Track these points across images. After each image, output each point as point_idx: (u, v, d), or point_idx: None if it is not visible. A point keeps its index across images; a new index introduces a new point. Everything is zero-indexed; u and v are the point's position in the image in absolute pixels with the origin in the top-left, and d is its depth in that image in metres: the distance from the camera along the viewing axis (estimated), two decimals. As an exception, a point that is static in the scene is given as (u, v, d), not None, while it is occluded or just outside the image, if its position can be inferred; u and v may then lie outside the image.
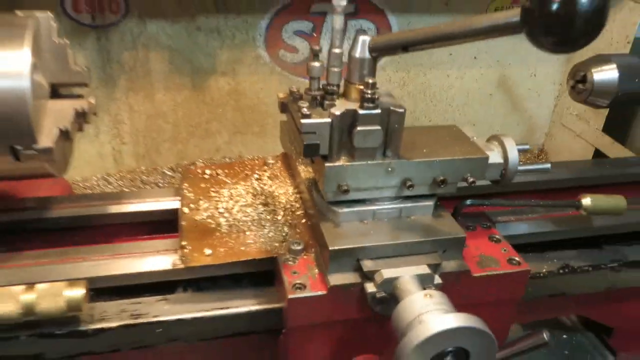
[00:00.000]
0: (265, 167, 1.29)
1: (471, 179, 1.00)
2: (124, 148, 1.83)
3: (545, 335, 0.97)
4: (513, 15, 0.75)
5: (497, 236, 1.10)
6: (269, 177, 1.25)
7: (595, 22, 0.70)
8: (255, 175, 1.26)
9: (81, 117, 0.96)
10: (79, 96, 0.99)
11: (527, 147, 1.12)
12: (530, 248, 1.21)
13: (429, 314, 0.79)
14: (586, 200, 1.12)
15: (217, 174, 1.26)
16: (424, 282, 0.92)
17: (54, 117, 0.93)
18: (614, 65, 1.17)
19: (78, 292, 0.91)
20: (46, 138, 0.88)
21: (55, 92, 0.97)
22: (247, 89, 1.82)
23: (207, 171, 1.27)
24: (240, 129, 1.87)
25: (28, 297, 0.89)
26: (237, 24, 1.71)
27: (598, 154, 1.90)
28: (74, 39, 1.61)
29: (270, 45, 1.76)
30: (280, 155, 1.32)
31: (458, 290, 0.98)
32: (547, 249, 1.22)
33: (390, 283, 0.90)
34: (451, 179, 1.00)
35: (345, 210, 0.98)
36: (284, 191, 1.20)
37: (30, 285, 0.90)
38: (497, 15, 0.77)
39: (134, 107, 1.76)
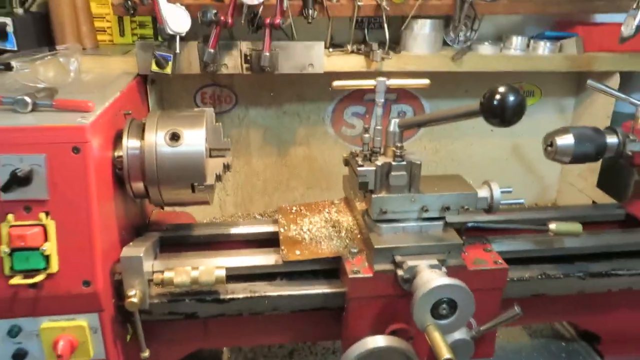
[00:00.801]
0: (333, 206, 1.89)
1: (466, 207, 1.56)
2: (227, 198, 2.49)
3: (517, 309, 1.47)
4: (475, 106, 1.33)
5: (489, 248, 1.63)
6: (335, 212, 1.85)
7: (518, 111, 1.27)
8: (326, 210, 1.86)
9: (226, 168, 1.61)
10: (224, 156, 1.64)
11: (510, 189, 1.66)
12: (519, 261, 1.72)
13: (432, 279, 1.33)
14: (552, 225, 1.64)
15: (300, 210, 1.88)
16: (436, 269, 1.46)
17: (212, 167, 1.58)
18: (571, 134, 1.72)
19: (222, 272, 1.51)
20: (210, 179, 1.53)
21: (211, 154, 1.63)
22: (317, 155, 2.46)
23: (294, 208, 1.88)
24: (312, 185, 2.50)
25: (194, 272, 1.50)
26: (311, 108, 2.38)
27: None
28: (199, 121, 2.33)
29: (334, 123, 2.41)
30: (342, 198, 1.92)
31: (461, 279, 1.50)
32: (532, 262, 1.73)
33: (413, 269, 1.45)
34: (453, 207, 1.55)
35: (385, 225, 1.55)
36: (346, 219, 1.78)
37: (195, 267, 1.52)
38: (466, 106, 1.36)
39: (236, 168, 2.43)
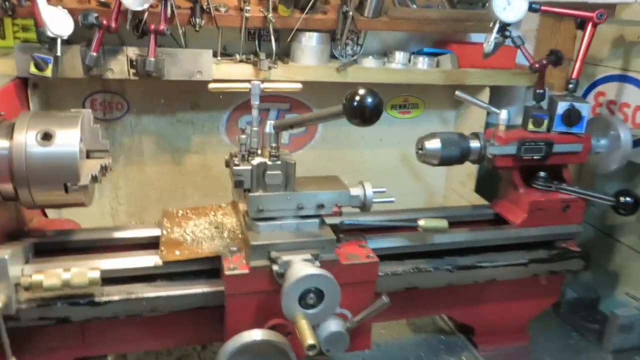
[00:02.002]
0: (220, 209, 1.92)
1: (340, 205, 1.65)
2: (119, 207, 2.45)
3: (384, 298, 1.57)
4: (338, 108, 1.42)
5: (364, 244, 1.72)
6: (221, 215, 1.88)
7: (376, 111, 1.38)
8: (212, 213, 1.88)
9: (104, 169, 1.60)
10: (103, 158, 1.63)
11: (383, 189, 1.78)
12: (394, 257, 1.83)
13: (299, 269, 1.40)
14: (421, 222, 1.77)
15: (187, 213, 1.89)
16: (305, 263, 1.52)
17: (88, 168, 1.57)
18: (438, 139, 1.87)
19: (96, 273, 1.49)
20: (84, 179, 1.52)
21: (89, 155, 1.61)
22: (213, 163, 2.48)
23: (180, 212, 1.89)
24: (208, 193, 2.51)
25: (66, 275, 1.47)
26: (206, 117, 2.41)
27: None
28: (88, 128, 2.29)
29: (229, 131, 2.45)
30: (230, 202, 1.96)
31: (335, 273, 1.58)
32: (407, 258, 1.84)
33: (287, 264, 1.51)
34: (327, 204, 1.64)
35: (262, 224, 1.60)
36: (230, 221, 1.82)
37: (67, 269, 1.49)
38: (331, 108, 1.45)
39: (129, 176, 2.40)
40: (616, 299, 2.30)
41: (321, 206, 1.63)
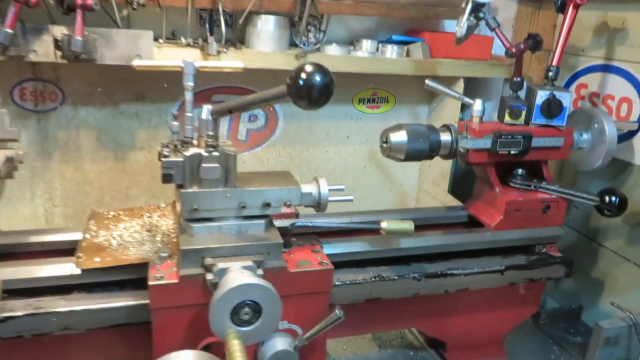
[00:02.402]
0: (158, 210, 1.69)
1: (289, 203, 1.43)
2: (55, 210, 2.19)
3: (337, 312, 1.35)
4: (282, 88, 1.21)
5: (318, 249, 1.51)
6: (158, 216, 1.65)
7: (325, 91, 1.17)
8: (148, 215, 1.65)
9: (10, 162, 1.36)
10: (12, 148, 1.39)
11: (342, 187, 1.57)
12: (355, 264, 1.62)
13: (233, 279, 1.17)
14: (384, 224, 1.56)
15: (119, 215, 1.65)
16: (251, 272, 1.30)
17: (-11, 160, 1.33)
18: (404, 131, 1.67)
19: (-6, 285, 1.25)
20: (-19, 172, 1.28)
21: (-8, 145, 1.37)
22: (162, 161, 2.25)
23: (112, 213, 1.65)
24: (156, 194, 2.27)
25: (-43, 287, 1.23)
26: (152, 109, 2.18)
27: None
28: (18, 120, 2.03)
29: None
30: (171, 202, 1.73)
31: (282, 282, 1.36)
32: (368, 264, 1.63)
33: (223, 272, 1.28)
34: (274, 203, 1.42)
35: (197, 225, 1.37)
36: (166, 223, 1.59)
37: (-41, 280, 1.24)
38: (275, 89, 1.23)
39: (65, 175, 2.15)
40: (600, 309, 2.12)
41: (267, 205, 1.41)
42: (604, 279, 2.11)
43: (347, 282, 1.54)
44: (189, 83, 1.37)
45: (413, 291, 1.63)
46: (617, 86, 1.99)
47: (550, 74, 1.81)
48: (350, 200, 1.54)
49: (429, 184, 2.55)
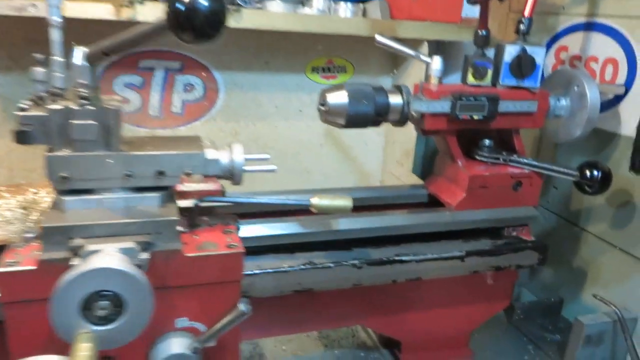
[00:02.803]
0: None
1: (189, 172, 1.15)
2: (-43, 192, 1.91)
3: (241, 306, 1.08)
4: (162, 19, 0.93)
5: (231, 230, 1.23)
6: (47, 193, 1.37)
7: (214, 20, 0.89)
8: (35, 191, 1.37)
9: None
10: None
11: (266, 156, 1.29)
12: (282, 249, 1.35)
13: (88, 263, 0.89)
14: (314, 200, 1.28)
15: (1, 191, 1.37)
16: (129, 256, 1.02)
17: None
18: (345, 91, 1.39)
19: None
20: None
21: None
22: (83, 136, 1.97)
23: (-7, 189, 1.37)
24: (78, 174, 2.00)
25: None
26: (70, 76, 1.90)
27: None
28: None
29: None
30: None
31: (176, 268, 1.09)
32: (300, 249, 1.36)
33: (91, 255, 1.00)
34: (170, 172, 1.14)
35: (70, 198, 1.10)
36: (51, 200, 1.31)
37: None
38: (153, 22, 0.95)
39: (-34, 152, 1.87)
40: (583, 302, 1.85)
41: (161, 174, 1.13)
42: (587, 268, 1.84)
43: (269, 270, 1.27)
44: (54, 17, 1.08)
45: (353, 281, 1.35)
46: (601, 46, 1.72)
47: (522, 26, 1.54)
48: (273, 170, 1.26)
49: (393, 164, 2.27)
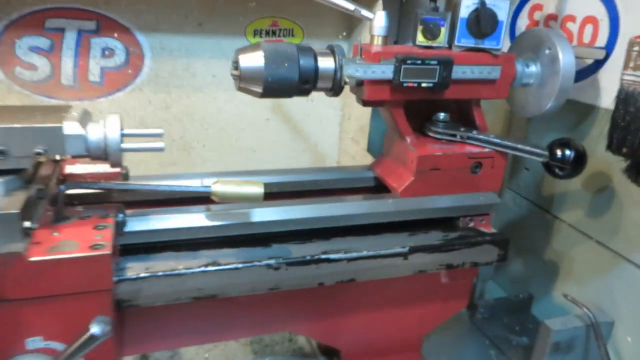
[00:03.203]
0: None
1: (42, 150, 0.90)
2: None
3: (92, 328, 0.84)
4: None
5: (106, 224, 0.98)
6: None
7: None
8: None
9: None
10: None
11: (158, 131, 1.04)
12: (182, 246, 1.11)
13: None
14: (216, 186, 1.04)
15: None
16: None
17: None
18: (261, 52, 1.13)
19: None
20: None
21: None
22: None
23: None
24: None
25: None
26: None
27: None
28: None
29: (4, 61, 1.67)
30: None
31: (18, 276, 0.85)
32: (203, 247, 1.12)
33: None
34: (16, 151, 0.89)
35: None
36: None
37: None
38: None
39: None
40: (554, 300, 1.63)
41: (2, 154, 0.88)
42: (560, 262, 1.61)
43: (160, 274, 1.03)
44: None
45: (269, 285, 1.12)
46: (580, 2, 1.46)
47: (484, -24, 1.28)
48: (160, 150, 1.01)
49: (348, 142, 2.03)
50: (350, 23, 1.95)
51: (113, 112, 1.77)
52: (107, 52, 1.75)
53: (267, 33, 1.88)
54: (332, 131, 2.09)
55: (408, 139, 1.30)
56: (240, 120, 1.96)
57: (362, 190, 1.41)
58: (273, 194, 1.34)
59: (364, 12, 1.28)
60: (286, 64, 1.14)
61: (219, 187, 1.03)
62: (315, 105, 2.01)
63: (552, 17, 1.56)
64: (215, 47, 1.84)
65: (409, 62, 1.18)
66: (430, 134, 1.35)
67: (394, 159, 1.38)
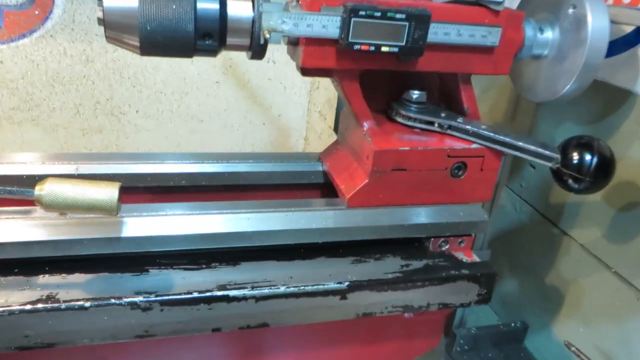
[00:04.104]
0: None
1: None
2: None
3: None
4: None
5: None
6: None
7: None
8: None
9: None
10: None
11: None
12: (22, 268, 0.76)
13: None
14: (42, 189, 0.68)
15: None
16: None
17: None
18: (137, -13, 0.75)
19: None
20: None
21: None
22: None
23: None
24: None
25: None
26: None
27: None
28: None
29: None
30: None
31: None
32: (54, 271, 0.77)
33: None
34: None
35: None
36: None
37: None
38: None
39: None
40: (554, 333, 1.28)
41: None
42: (565, 289, 1.25)
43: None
44: None
45: (137, 331, 0.77)
46: (626, -57, 1.05)
47: None
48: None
49: (315, 115, 1.65)
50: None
51: (17, 63, 1.42)
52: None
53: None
54: (298, 101, 1.71)
55: (365, 125, 0.93)
56: (182, 82, 1.58)
57: (304, 189, 1.06)
58: (179, 188, 0.99)
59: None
60: (174, 6, 0.76)
61: (47, 189, 0.67)
62: (279, 68, 1.63)
63: (583, -35, 1.14)
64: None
65: (362, 13, 0.79)
66: (398, 119, 0.97)
67: (349, 150, 1.01)
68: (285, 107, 1.71)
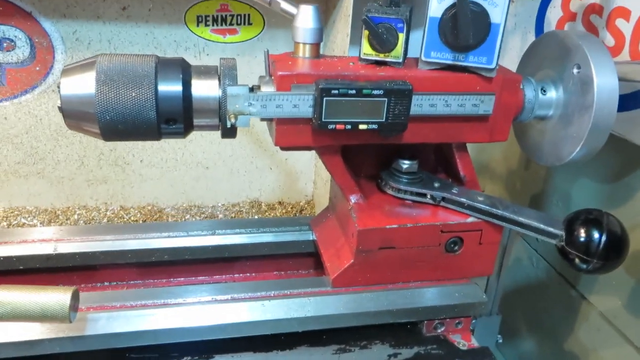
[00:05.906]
0: None
1: None
2: None
3: None
4: None
5: None
6: None
7: None
8: None
9: None
10: None
11: None
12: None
13: None
14: (-11, 298, 0.65)
15: None
16: None
17: None
18: (93, 71, 0.71)
19: None
20: None
21: None
22: None
23: None
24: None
25: None
26: None
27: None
28: None
29: None
30: None
31: None
32: None
33: None
34: None
35: None
36: None
37: None
38: None
39: None
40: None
41: None
42: (584, 357, 1.15)
43: None
44: None
45: None
46: (640, -12, 0.95)
47: (476, -51, 0.80)
48: None
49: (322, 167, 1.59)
50: (325, 7, 1.48)
51: (20, 118, 1.42)
52: (6, 44, 1.37)
53: (215, 20, 1.45)
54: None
55: (351, 200, 0.86)
56: (185, 131, 1.55)
57: (294, 258, 1.00)
58: (163, 263, 0.96)
59: (285, 5, 0.84)
60: (134, 94, 0.72)
61: (-7, 300, 0.64)
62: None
63: (594, 10, 1.05)
64: (146, 39, 1.43)
65: (334, 92, 0.73)
66: (388, 190, 0.90)
67: (338, 221, 0.95)
68: (291, 155, 1.66)
